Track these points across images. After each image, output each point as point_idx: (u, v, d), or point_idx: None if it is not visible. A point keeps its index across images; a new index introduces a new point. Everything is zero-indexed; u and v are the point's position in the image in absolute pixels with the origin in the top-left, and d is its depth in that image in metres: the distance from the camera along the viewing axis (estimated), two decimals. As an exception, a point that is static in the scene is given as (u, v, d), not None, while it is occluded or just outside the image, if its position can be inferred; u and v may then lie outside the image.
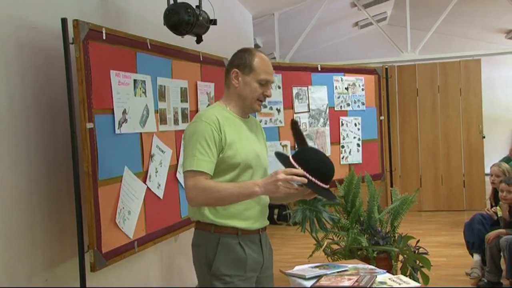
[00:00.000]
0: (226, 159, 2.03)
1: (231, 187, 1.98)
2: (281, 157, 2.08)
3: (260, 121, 4.61)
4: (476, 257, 4.52)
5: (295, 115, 4.81)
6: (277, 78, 4.75)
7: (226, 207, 2.04)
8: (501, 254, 4.16)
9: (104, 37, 2.73)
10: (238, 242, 2.06)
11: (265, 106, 4.64)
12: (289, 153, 4.76)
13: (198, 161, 1.97)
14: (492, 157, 7.33)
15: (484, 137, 7.54)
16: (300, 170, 1.92)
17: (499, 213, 4.52)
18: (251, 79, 2.11)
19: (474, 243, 4.56)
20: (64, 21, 2.50)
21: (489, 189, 5.04)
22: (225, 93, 2.18)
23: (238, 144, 2.06)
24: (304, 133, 4.84)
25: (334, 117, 5.08)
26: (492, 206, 4.81)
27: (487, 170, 5.04)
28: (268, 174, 2.21)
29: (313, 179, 1.94)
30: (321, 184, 1.96)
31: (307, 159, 2.00)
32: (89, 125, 2.59)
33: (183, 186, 2.09)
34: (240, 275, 2.06)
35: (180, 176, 3.53)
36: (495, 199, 4.78)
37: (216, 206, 2.04)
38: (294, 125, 2.13)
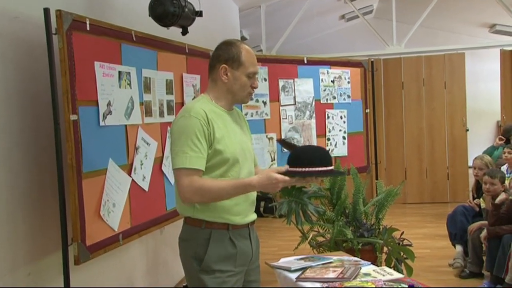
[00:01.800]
0: (215, 154, 2.02)
1: (227, 186, 1.99)
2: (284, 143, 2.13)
3: (246, 114, 4.60)
4: (458, 248, 4.57)
5: (281, 107, 4.80)
6: (263, 71, 4.73)
7: (217, 203, 2.05)
8: (483, 245, 4.21)
9: (88, 28, 2.69)
10: (229, 237, 2.07)
11: (251, 99, 4.62)
12: (274, 145, 4.75)
13: (191, 158, 1.95)
14: (476, 150, 7.41)
15: (467, 130, 7.62)
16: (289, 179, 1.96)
17: (482, 205, 4.56)
18: (240, 73, 2.10)
19: (457, 234, 4.61)
20: (46, 11, 2.45)
21: (472, 181, 5.09)
22: (210, 87, 2.16)
23: (226, 139, 2.06)
24: (290, 126, 4.84)
25: (320, 110, 5.08)
26: (474, 198, 4.86)
27: (471, 163, 5.08)
28: (253, 166, 2.23)
29: (313, 169, 1.98)
30: (323, 168, 2.01)
31: (298, 156, 2.02)
32: (73, 117, 2.55)
33: (175, 183, 2.08)
34: (231, 270, 2.06)
35: (165, 169, 3.51)
36: (477, 191, 4.83)
37: (209, 203, 2.05)
38: (283, 142, 2.23)
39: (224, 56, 2.10)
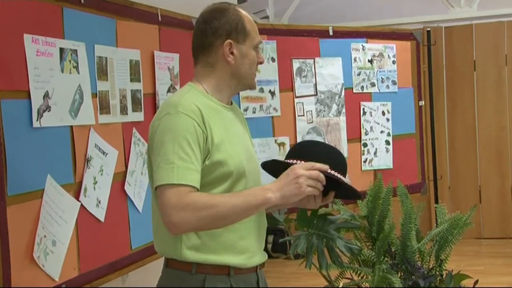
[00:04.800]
0: (214, 167, 2.04)
1: (233, 198, 1.99)
2: (272, 164, 2.21)
3: (246, 109, 4.62)
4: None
5: (296, 99, 4.82)
6: (270, 47, 4.75)
7: (215, 236, 2.06)
8: None
9: (14, -15, 2.73)
10: (230, 286, 2.09)
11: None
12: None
13: (179, 171, 1.96)
14: None
15: None
16: (320, 164, 2.01)
17: None
18: (248, 47, 2.18)
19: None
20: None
21: None
22: (204, 75, 2.19)
23: (228, 144, 2.09)
24: (310, 126, 4.85)
25: (353, 102, 5.09)
26: None
27: None
28: (261, 179, 2.28)
29: (335, 174, 2.07)
30: (343, 178, 2.11)
31: (309, 151, 2.13)
32: (-7, 115, 2.58)
33: (155, 207, 2.07)
34: None
35: (130, 189, 3.53)
36: None
37: (212, 228, 2.03)
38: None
39: (225, 27, 2.15)
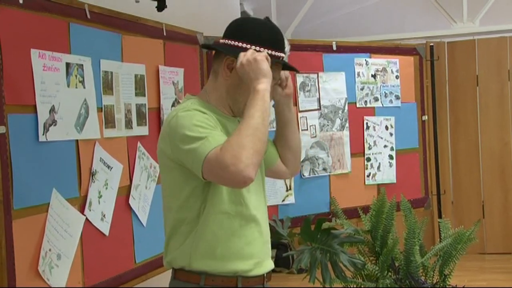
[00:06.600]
0: None
1: (246, 117, 2.00)
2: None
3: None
4: None
5: (299, 114, 4.82)
6: (274, 61, 4.77)
7: (222, 242, 2.07)
8: None
9: (21, 1, 2.74)
10: None
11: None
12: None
13: (214, 137, 1.97)
14: None
15: None
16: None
17: None
18: None
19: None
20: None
21: None
22: (209, 81, 2.22)
23: None
24: (313, 140, 4.85)
25: (356, 117, 5.09)
26: None
27: None
28: (264, 183, 2.32)
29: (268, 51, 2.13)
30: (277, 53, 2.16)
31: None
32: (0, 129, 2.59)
33: (217, 173, 1.98)
34: None
35: (134, 203, 3.54)
36: None
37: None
38: None
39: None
